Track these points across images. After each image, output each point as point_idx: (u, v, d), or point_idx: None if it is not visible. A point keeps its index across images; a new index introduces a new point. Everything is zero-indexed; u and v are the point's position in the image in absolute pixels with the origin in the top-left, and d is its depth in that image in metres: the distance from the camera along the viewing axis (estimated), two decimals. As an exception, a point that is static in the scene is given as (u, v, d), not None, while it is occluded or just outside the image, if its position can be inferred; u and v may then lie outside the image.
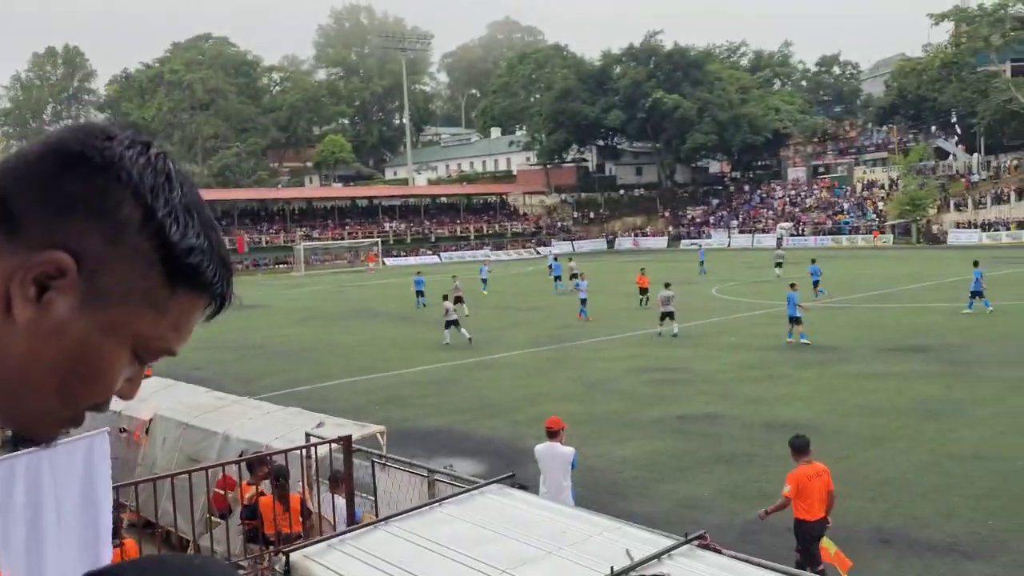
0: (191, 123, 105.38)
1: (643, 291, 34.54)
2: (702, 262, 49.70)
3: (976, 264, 28.76)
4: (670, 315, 25.50)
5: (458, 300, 31.44)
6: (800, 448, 9.06)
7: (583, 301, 30.96)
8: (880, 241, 70.97)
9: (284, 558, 4.61)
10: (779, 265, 44.44)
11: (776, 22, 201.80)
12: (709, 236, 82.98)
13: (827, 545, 8.46)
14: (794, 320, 23.48)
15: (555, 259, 47.92)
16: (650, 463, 13.29)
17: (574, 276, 36.78)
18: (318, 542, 4.81)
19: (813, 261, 35.70)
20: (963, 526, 10.10)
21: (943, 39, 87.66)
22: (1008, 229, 65.53)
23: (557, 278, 43.25)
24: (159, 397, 12.40)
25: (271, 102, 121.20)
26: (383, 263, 74.65)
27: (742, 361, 21.29)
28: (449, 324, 26.99)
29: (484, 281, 44.42)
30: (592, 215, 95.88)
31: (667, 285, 26.19)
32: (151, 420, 11.68)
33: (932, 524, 10.20)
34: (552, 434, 9.49)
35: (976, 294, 27.99)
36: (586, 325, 29.11)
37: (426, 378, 21.32)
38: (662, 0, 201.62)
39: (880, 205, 77.28)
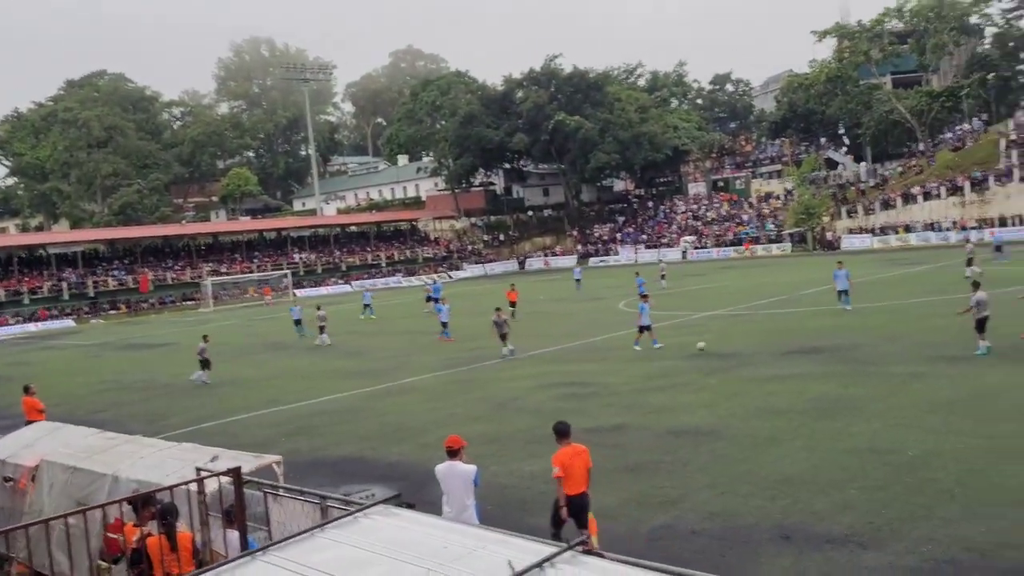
0: (89, 162, 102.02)
1: (512, 304, 38.13)
2: (578, 280, 53.81)
3: (840, 264, 31.61)
4: (504, 337, 26.66)
5: (321, 328, 34.77)
6: (562, 433, 9.93)
7: (444, 324, 32.72)
8: (749, 252, 73.70)
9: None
10: (663, 277, 49.07)
11: (669, 45, 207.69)
12: (617, 252, 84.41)
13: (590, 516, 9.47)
14: (644, 328, 25.58)
15: (433, 282, 53.18)
16: (559, 478, 13.29)
17: (432, 299, 39.00)
18: (192, 576, 4.63)
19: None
20: (859, 518, 10.38)
21: (827, 55, 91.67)
22: (896, 233, 68.54)
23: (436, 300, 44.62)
24: (45, 442, 11.83)
25: (172, 137, 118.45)
26: (293, 295, 73.38)
27: (647, 372, 21.61)
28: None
29: (367, 307, 46.70)
30: (502, 237, 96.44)
31: (497, 310, 27.40)
32: (37, 466, 11.13)
33: (830, 518, 10.46)
34: (452, 453, 9.40)
35: (843, 292, 30.32)
36: (495, 345, 29.10)
37: (334, 407, 20.96)
38: (558, 27, 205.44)
39: (779, 216, 79.90)
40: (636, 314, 26.60)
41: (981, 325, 19.95)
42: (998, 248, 44.75)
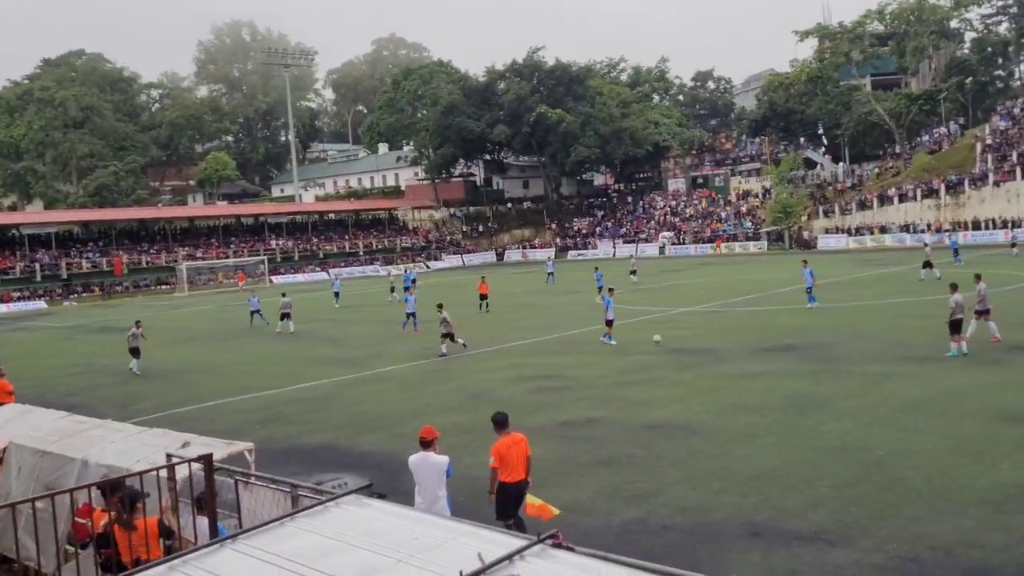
0: (64, 142, 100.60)
1: (483, 297, 38.27)
2: (550, 273, 53.59)
3: (805, 263, 32.75)
4: (450, 336, 25.73)
5: (285, 316, 34.68)
6: (500, 423, 10.11)
7: (409, 315, 32.37)
8: (724, 249, 74.35)
9: (121, 583, 4.38)
10: (633, 272, 49.35)
11: (652, 41, 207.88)
12: (595, 247, 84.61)
13: (531, 500, 9.73)
14: (611, 322, 25.84)
15: (406, 271, 56.50)
16: (532, 469, 13.31)
17: (406, 288, 39.28)
18: (158, 564, 4.59)
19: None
20: (828, 515, 10.49)
21: (809, 55, 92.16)
22: (872, 233, 69.17)
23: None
24: (14, 424, 11.68)
25: (150, 119, 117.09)
26: (270, 281, 72.96)
27: (623, 366, 21.68)
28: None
29: (336, 295, 47.38)
30: (481, 228, 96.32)
31: (440, 307, 26.35)
32: (5, 449, 10.99)
33: (799, 515, 10.56)
34: (426, 444, 9.39)
35: (808, 290, 31.27)
36: (476, 336, 29.07)
37: (308, 395, 20.87)
38: (541, 21, 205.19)
39: (758, 214, 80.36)
40: (618, 308, 26.70)
41: (956, 326, 20.13)
42: (955, 252, 45.95)
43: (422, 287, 56.17)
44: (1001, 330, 21.35)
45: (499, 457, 9.82)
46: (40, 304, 64.60)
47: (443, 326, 25.72)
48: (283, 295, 37.27)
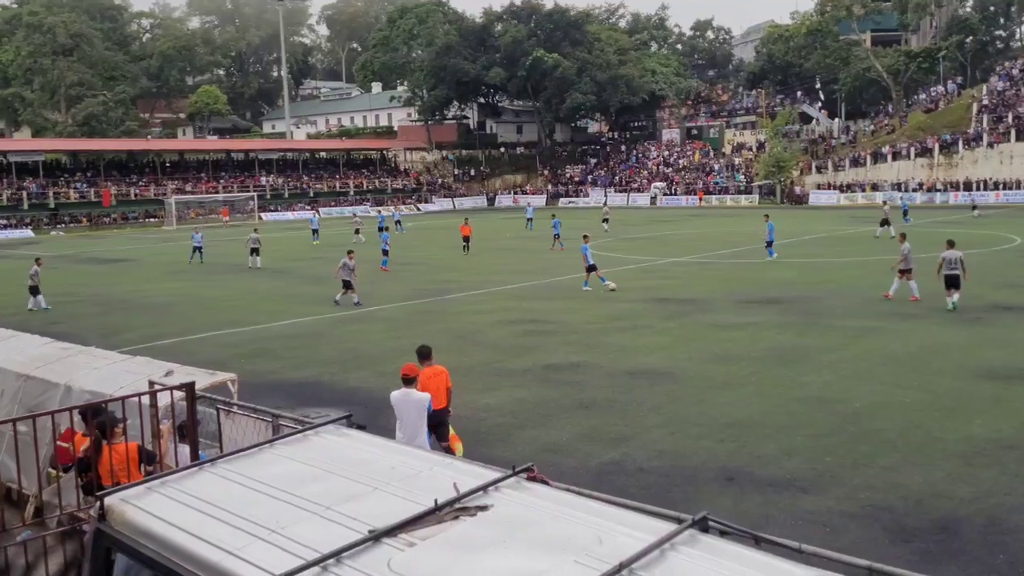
0: (53, 69, 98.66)
1: (466, 239, 39.20)
2: (529, 219, 53.81)
3: (767, 217, 33.94)
4: (349, 285, 24.65)
5: (254, 251, 35.62)
6: (424, 355, 10.90)
7: (384, 252, 34.10)
8: (711, 201, 74.90)
9: (98, 502, 4.42)
10: (606, 221, 50.08)
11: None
12: (587, 195, 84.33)
13: (451, 432, 10.58)
14: (591, 268, 25.84)
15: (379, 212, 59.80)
16: (514, 411, 13.47)
17: (381, 229, 40.35)
18: (137, 484, 4.63)
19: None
20: (802, 463, 10.66)
21: (810, 7, 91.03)
22: (864, 191, 69.13)
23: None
24: (-3, 350, 11.68)
25: (141, 50, 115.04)
26: (259, 218, 72.53)
27: (609, 313, 21.79)
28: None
29: (315, 232, 48.70)
30: (473, 172, 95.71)
31: (349, 253, 25.41)
32: (-13, 373, 11.00)
33: (774, 462, 10.73)
34: (408, 381, 9.48)
35: (769, 243, 32.19)
36: (463, 279, 29.18)
37: (296, 331, 20.92)
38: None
39: (751, 168, 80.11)
40: (608, 256, 26.70)
41: (952, 282, 20.57)
42: (904, 213, 47.27)
43: (411, 228, 56.21)
44: (984, 289, 21.52)
45: (420, 387, 10.39)
46: (27, 232, 64.15)
47: (343, 272, 24.53)
48: (254, 231, 38.61)
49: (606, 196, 76.96)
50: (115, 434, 7.20)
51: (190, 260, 38.51)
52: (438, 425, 10.52)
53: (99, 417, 7.28)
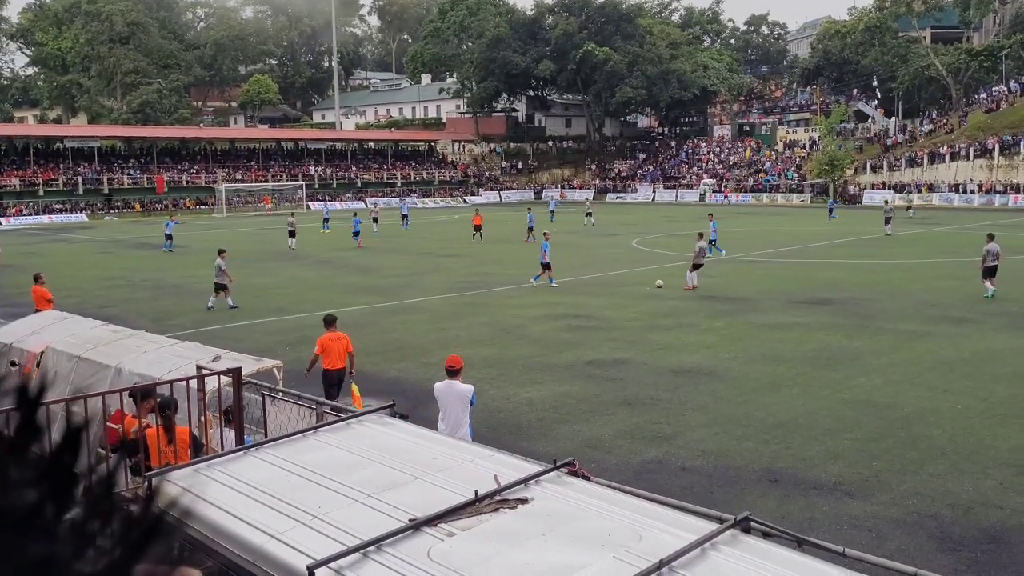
0: (110, 56, 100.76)
1: (476, 228, 41.47)
2: (552, 211, 54.85)
3: (711, 216, 34.42)
4: (222, 287, 23.08)
5: (291, 234, 38.96)
6: (329, 322, 12.89)
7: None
8: (754, 199, 74.69)
9: (147, 483, 4.51)
10: (589, 215, 51.22)
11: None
12: (635, 190, 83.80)
13: (354, 390, 11.02)
14: (545, 266, 25.98)
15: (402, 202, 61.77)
16: (556, 405, 13.45)
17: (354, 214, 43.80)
18: (184, 467, 4.71)
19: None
20: (848, 467, 10.48)
21: (868, 3, 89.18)
22: (919, 191, 67.67)
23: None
24: (52, 330, 11.98)
25: (195, 39, 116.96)
26: (308, 207, 73.31)
27: (654, 310, 21.63)
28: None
29: (355, 234, 47.46)
30: (520, 165, 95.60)
31: (220, 252, 23.59)
32: (42, 353, 11.29)
33: (819, 465, 10.56)
34: (452, 372, 9.50)
35: (712, 242, 32.10)
36: (506, 272, 29.22)
37: (340, 320, 20.96)
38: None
39: (803, 166, 78.92)
40: (654, 253, 26.54)
41: (989, 272, 22.24)
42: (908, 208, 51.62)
43: (456, 221, 56.38)
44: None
45: (322, 348, 12.46)
46: (81, 217, 65.62)
47: (218, 275, 23.24)
48: (291, 215, 42.43)
49: (591, 192, 78.31)
50: (170, 417, 7.34)
51: (164, 250, 39.33)
52: (337, 382, 12.18)
53: (152, 397, 7.42)
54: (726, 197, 75.51)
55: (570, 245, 39.72)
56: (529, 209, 46.86)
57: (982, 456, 10.72)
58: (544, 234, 28.09)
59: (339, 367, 12.41)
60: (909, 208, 55.26)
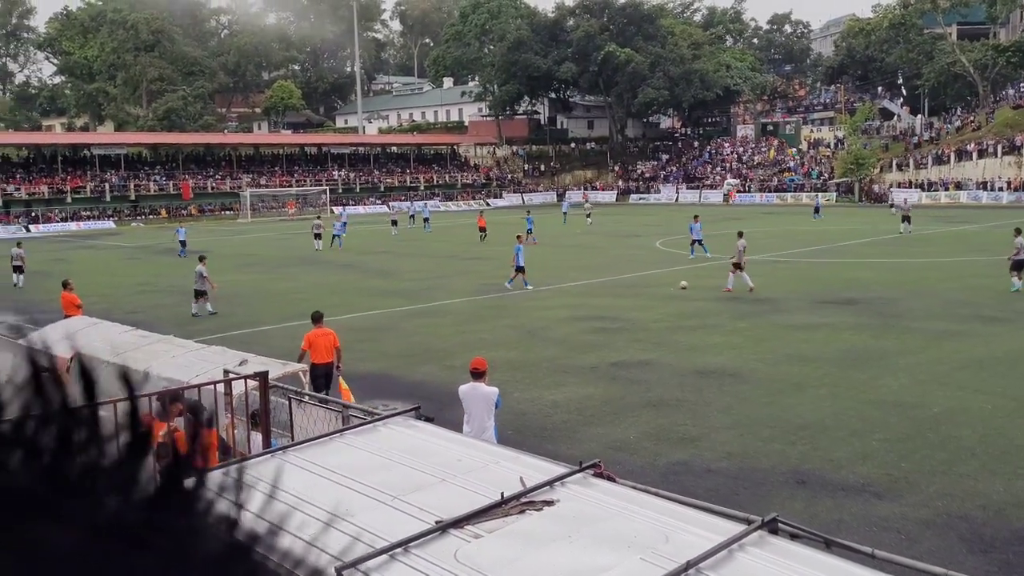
0: (135, 64, 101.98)
1: (482, 230, 41.98)
2: (565, 213, 55.50)
3: (696, 218, 33.77)
4: (202, 294, 23.36)
5: (317, 236, 40.57)
6: (316, 319, 13.49)
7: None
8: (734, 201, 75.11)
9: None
10: (589, 216, 52.43)
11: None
12: (658, 191, 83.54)
13: (342, 383, 11.72)
14: (520, 269, 25.90)
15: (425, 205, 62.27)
16: (581, 407, 13.43)
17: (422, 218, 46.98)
18: (211, 470, 4.76)
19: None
20: (876, 468, 10.38)
21: (892, 0, 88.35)
22: (947, 190, 66.91)
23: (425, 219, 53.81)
24: (82, 335, 12.15)
25: (219, 46, 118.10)
26: (331, 211, 73.72)
27: (679, 311, 21.55)
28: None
29: (398, 228, 50.49)
30: (543, 168, 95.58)
31: (201, 259, 24.08)
32: (72, 358, 11.44)
33: (847, 466, 10.47)
34: (477, 375, 9.52)
35: (696, 242, 32.55)
36: (529, 275, 29.16)
37: (364, 324, 21.20)
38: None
39: (828, 165, 78.28)
40: (678, 254, 26.45)
41: (1018, 265, 22.43)
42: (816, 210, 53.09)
43: (464, 224, 56.48)
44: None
45: (309, 343, 12.97)
46: (109, 224, 66.38)
47: (198, 282, 23.27)
48: (317, 217, 44.04)
49: (585, 192, 78.31)
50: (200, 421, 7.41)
51: (181, 256, 38.88)
52: (326, 376, 12.64)
53: (180, 401, 7.49)
54: (733, 198, 74.97)
55: (594, 247, 39.70)
56: (528, 212, 48.30)
57: (1014, 456, 10.58)
58: (518, 237, 27.68)
59: (327, 361, 12.91)
60: (892, 207, 55.98)
